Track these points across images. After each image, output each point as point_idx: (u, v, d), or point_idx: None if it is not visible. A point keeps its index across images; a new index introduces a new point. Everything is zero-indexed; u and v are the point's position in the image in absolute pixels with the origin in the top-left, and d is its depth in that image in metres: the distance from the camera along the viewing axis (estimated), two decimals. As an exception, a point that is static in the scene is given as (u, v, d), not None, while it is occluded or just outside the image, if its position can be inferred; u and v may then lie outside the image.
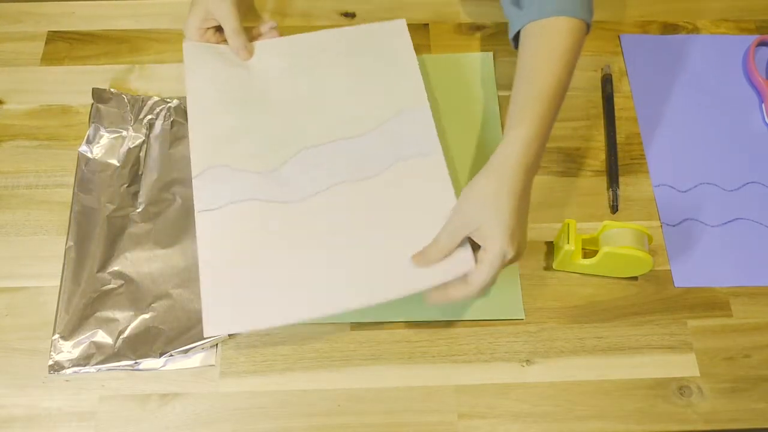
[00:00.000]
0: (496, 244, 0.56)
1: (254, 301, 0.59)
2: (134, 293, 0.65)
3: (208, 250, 0.61)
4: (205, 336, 0.59)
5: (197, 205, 0.63)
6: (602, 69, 0.79)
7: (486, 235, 0.57)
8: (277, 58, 0.73)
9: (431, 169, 0.65)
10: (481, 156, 0.73)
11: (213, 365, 0.62)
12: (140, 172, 0.71)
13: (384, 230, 0.62)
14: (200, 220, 0.63)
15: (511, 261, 0.58)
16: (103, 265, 0.66)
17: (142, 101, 0.74)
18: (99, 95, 0.74)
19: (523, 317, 0.65)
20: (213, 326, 0.58)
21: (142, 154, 0.72)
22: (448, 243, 0.59)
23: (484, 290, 0.58)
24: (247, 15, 0.79)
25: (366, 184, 0.65)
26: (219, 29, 0.73)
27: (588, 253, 0.67)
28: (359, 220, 0.63)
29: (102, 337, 0.63)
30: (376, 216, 0.63)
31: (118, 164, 0.71)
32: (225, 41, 0.73)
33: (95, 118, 0.73)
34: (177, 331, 0.63)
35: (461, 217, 0.59)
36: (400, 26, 0.75)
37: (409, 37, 0.73)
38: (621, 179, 0.72)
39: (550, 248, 0.68)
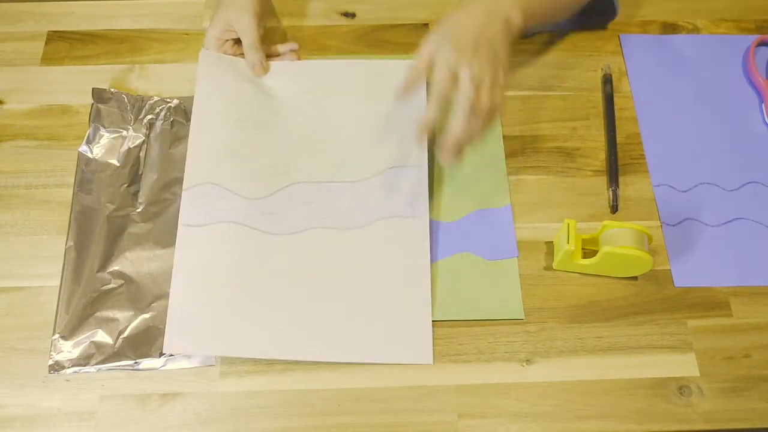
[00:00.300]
0: (432, 44, 0.60)
1: (218, 327, 0.62)
2: (134, 293, 0.65)
3: (185, 265, 0.64)
4: (163, 351, 0.61)
5: (182, 218, 0.66)
6: (602, 69, 0.79)
7: (436, 50, 0.60)
8: (290, 82, 0.74)
9: (414, 232, 0.67)
10: (481, 157, 0.73)
11: (213, 365, 0.62)
12: (140, 172, 0.71)
13: (355, 289, 0.64)
14: (182, 233, 0.65)
15: (463, 71, 0.58)
16: (103, 265, 0.66)
17: (142, 101, 0.74)
18: (99, 95, 0.74)
19: (523, 317, 0.65)
20: (173, 344, 0.61)
21: (142, 154, 0.72)
22: (418, 63, 0.61)
23: (459, 98, 0.59)
24: (269, 18, 0.80)
25: (348, 235, 0.66)
26: (238, 42, 0.74)
27: (588, 253, 0.67)
28: (334, 271, 0.65)
29: (102, 336, 0.63)
30: (350, 271, 0.65)
31: (118, 164, 0.71)
32: (242, 54, 0.74)
33: (95, 118, 0.73)
34: (177, 330, 0.63)
35: (427, 43, 0.61)
36: None
37: (425, 86, 0.72)
38: (621, 179, 0.72)
39: (550, 248, 0.68)
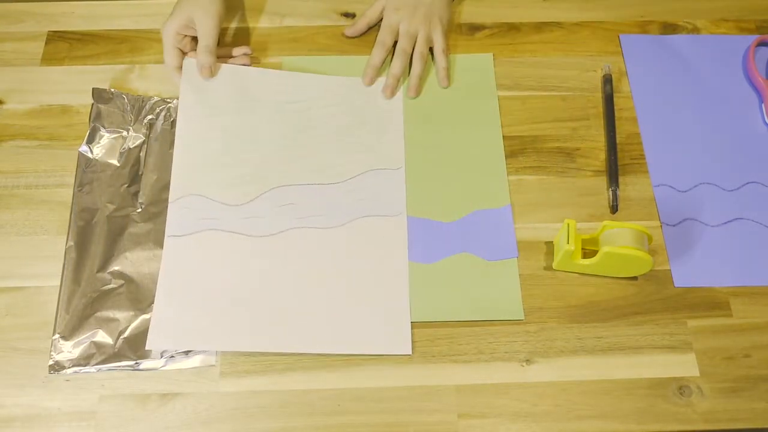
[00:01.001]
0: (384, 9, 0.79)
1: (201, 322, 0.63)
2: (134, 293, 0.65)
3: (170, 273, 0.65)
4: (147, 348, 0.62)
5: (168, 230, 0.67)
6: (602, 69, 0.79)
7: (385, 8, 0.79)
8: (271, 91, 0.75)
9: (393, 230, 0.68)
10: (481, 157, 0.73)
11: (213, 365, 0.62)
12: (140, 172, 0.71)
13: (336, 284, 0.65)
14: (168, 244, 0.66)
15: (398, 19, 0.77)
16: (104, 265, 0.66)
17: (143, 101, 0.74)
18: (99, 95, 0.74)
19: (523, 318, 0.65)
20: (155, 340, 0.62)
21: (142, 154, 0.72)
22: (371, 13, 0.80)
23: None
24: (228, 20, 0.81)
25: (328, 234, 0.68)
26: (195, 38, 0.74)
27: (588, 253, 0.67)
28: (314, 268, 0.66)
29: (102, 337, 0.63)
30: (331, 268, 0.66)
31: (118, 164, 0.71)
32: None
33: (95, 118, 0.73)
34: (177, 331, 0.63)
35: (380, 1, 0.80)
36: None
37: (401, 100, 0.76)
38: (621, 179, 0.72)
39: (550, 248, 0.68)
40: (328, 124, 0.74)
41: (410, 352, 0.63)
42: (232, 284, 0.65)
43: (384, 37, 0.77)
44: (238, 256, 0.66)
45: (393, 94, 0.76)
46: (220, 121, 0.73)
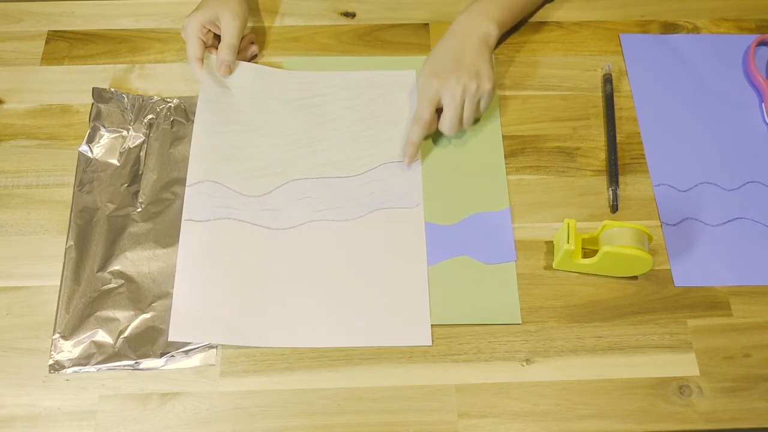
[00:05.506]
0: (418, 78, 0.73)
1: (221, 316, 0.63)
2: (134, 293, 0.65)
3: (188, 259, 0.65)
4: (169, 339, 0.62)
5: (185, 213, 0.68)
6: (602, 69, 0.79)
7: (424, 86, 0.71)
8: (287, 89, 0.76)
9: (410, 221, 0.69)
10: (481, 159, 0.73)
11: (213, 365, 0.62)
12: (140, 172, 0.71)
13: (354, 276, 0.66)
14: (185, 227, 0.67)
15: (442, 88, 0.69)
16: (104, 265, 0.66)
17: (143, 101, 0.74)
18: (99, 95, 0.74)
19: (520, 322, 0.65)
20: (177, 332, 0.62)
21: (142, 153, 0.72)
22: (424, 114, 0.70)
23: (426, 121, 0.70)
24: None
25: (345, 226, 0.68)
26: (217, 35, 0.76)
27: (588, 253, 0.67)
28: (333, 260, 0.67)
29: (102, 336, 0.63)
30: (349, 260, 0.67)
31: (118, 164, 0.71)
32: (216, 47, 0.75)
33: (95, 117, 0.73)
34: (177, 330, 0.63)
35: (419, 79, 0.73)
36: (409, 78, 0.77)
37: (415, 92, 0.75)
38: (621, 179, 0.72)
39: (550, 248, 0.68)
40: (343, 118, 0.74)
41: (430, 343, 0.63)
42: (251, 276, 0.65)
43: (426, 116, 0.70)
44: (257, 247, 0.67)
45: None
46: (238, 115, 0.74)
